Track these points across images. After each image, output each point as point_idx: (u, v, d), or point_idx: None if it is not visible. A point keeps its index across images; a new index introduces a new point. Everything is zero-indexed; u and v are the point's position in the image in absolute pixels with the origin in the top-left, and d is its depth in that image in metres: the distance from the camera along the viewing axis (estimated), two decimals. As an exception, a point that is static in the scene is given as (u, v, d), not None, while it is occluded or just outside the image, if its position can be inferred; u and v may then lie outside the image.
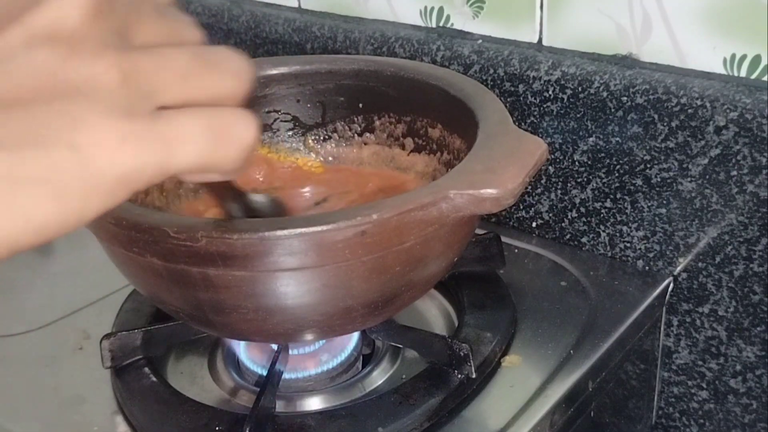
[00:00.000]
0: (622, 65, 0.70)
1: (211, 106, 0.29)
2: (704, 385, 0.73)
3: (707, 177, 0.66)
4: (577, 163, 0.73)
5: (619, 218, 0.72)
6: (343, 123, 0.69)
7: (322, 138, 0.71)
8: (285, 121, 0.70)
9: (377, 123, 0.68)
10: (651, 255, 0.72)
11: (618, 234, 0.73)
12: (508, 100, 0.75)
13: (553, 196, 0.76)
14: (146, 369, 0.62)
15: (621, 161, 0.70)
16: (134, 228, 0.47)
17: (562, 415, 0.60)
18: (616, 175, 0.71)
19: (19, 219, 0.25)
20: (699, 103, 0.64)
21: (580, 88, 0.70)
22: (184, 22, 0.30)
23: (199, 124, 0.28)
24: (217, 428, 0.56)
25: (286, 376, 0.61)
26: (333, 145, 0.71)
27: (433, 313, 0.70)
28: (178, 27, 0.30)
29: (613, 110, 0.69)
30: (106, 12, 0.27)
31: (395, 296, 0.52)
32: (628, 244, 0.73)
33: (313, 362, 0.63)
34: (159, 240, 0.46)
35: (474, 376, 0.58)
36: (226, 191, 0.45)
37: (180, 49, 0.28)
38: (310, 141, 0.71)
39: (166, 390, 0.60)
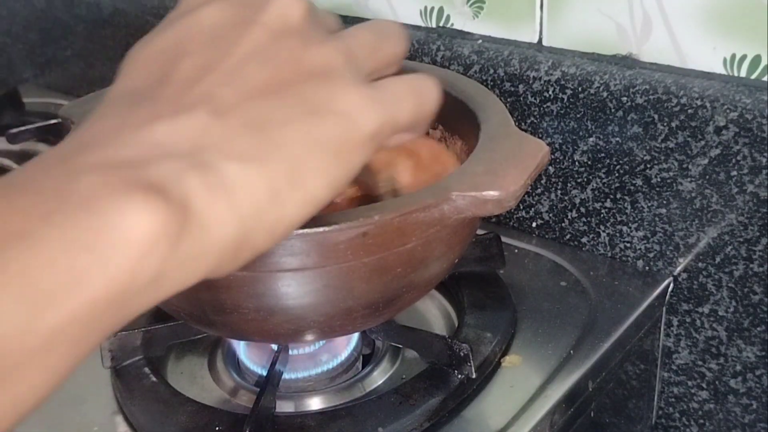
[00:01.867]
0: (622, 65, 0.70)
1: (405, 75, 0.35)
2: (704, 385, 0.73)
3: (707, 177, 0.66)
4: (577, 163, 0.73)
5: (619, 218, 0.72)
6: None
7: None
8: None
9: (378, 123, 0.68)
10: (651, 255, 0.72)
11: (618, 234, 0.73)
12: (508, 100, 0.75)
13: (553, 196, 0.76)
14: (146, 369, 0.62)
15: (621, 161, 0.70)
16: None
17: (562, 415, 0.60)
18: (616, 175, 0.71)
19: (319, 179, 0.30)
20: (699, 103, 0.64)
21: (580, 88, 0.70)
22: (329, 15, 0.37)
23: (405, 88, 0.34)
24: (217, 428, 0.56)
25: (286, 376, 0.61)
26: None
27: (433, 313, 0.70)
28: (330, 15, 0.37)
29: (613, 110, 0.69)
30: (312, 10, 0.33)
31: (396, 297, 0.52)
32: (628, 244, 0.73)
33: (313, 362, 0.63)
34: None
35: (474, 376, 0.58)
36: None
37: (364, 28, 0.35)
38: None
39: (166, 390, 0.60)
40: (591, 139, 0.71)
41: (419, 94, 0.35)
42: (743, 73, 0.64)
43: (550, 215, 0.77)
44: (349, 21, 0.86)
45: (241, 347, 0.65)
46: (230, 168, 0.28)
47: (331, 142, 0.30)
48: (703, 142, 0.65)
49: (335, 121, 0.31)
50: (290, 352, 0.62)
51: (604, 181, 0.72)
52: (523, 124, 0.75)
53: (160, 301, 0.27)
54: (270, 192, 0.28)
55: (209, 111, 0.28)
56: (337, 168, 0.31)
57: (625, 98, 0.68)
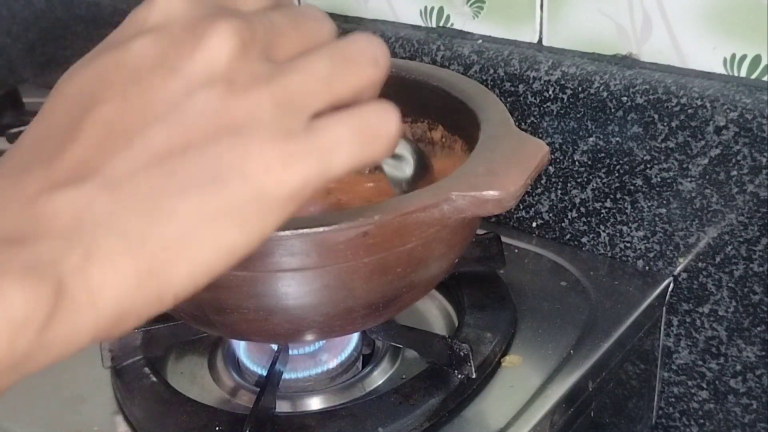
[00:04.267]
0: (622, 65, 0.70)
1: (355, 108, 0.30)
2: (704, 385, 0.73)
3: (707, 177, 0.66)
4: (577, 163, 0.73)
5: (619, 218, 0.72)
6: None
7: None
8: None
9: (378, 123, 0.68)
10: (651, 255, 0.72)
11: (618, 234, 0.73)
12: (508, 100, 0.75)
13: (553, 196, 0.76)
14: (146, 369, 0.62)
15: (621, 161, 0.70)
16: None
17: (562, 415, 0.60)
18: (616, 175, 0.71)
19: (210, 250, 0.28)
20: (699, 103, 0.64)
21: (580, 88, 0.70)
22: (315, 19, 0.32)
23: (347, 130, 0.30)
24: (217, 428, 0.56)
25: (286, 376, 0.61)
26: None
27: (433, 313, 0.70)
28: (312, 28, 0.32)
29: (613, 110, 0.69)
30: (249, 43, 0.29)
31: (396, 297, 0.52)
32: (628, 244, 0.73)
33: (313, 362, 0.63)
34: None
35: (474, 376, 0.58)
36: None
37: (319, 55, 0.30)
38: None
39: (166, 390, 0.60)
40: (591, 139, 0.71)
41: (367, 133, 0.30)
42: (743, 73, 0.64)
43: (550, 215, 0.77)
44: (349, 21, 0.86)
45: (241, 347, 0.65)
46: (110, 245, 0.27)
47: (234, 210, 0.28)
48: (703, 142, 0.65)
49: (242, 187, 0.28)
50: (290, 352, 0.62)
51: (604, 181, 0.72)
52: (523, 124, 0.75)
53: (25, 377, 0.27)
54: (152, 267, 0.28)
55: (99, 183, 0.27)
56: (239, 236, 0.29)
57: (625, 98, 0.68)
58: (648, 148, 0.68)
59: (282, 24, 0.31)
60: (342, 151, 0.29)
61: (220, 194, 0.28)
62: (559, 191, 0.75)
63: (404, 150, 0.45)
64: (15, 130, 0.67)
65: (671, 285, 0.71)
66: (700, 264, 0.69)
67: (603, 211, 0.73)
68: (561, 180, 0.75)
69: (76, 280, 0.26)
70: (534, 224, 0.79)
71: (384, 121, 0.31)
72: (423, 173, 0.46)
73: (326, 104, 0.30)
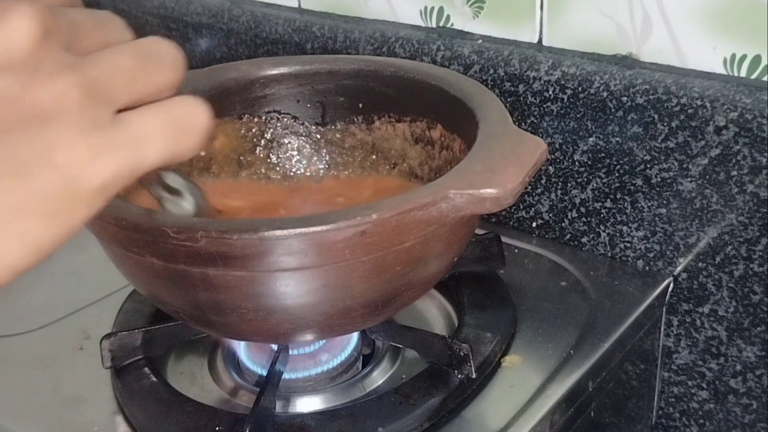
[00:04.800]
0: (622, 65, 0.70)
1: (165, 101, 0.30)
2: (704, 385, 0.73)
3: (707, 177, 0.66)
4: (577, 163, 0.73)
5: (619, 218, 0.72)
6: (343, 123, 0.69)
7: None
8: (285, 122, 0.70)
9: (377, 123, 0.68)
10: (651, 255, 0.72)
11: (618, 234, 0.73)
12: (508, 100, 0.75)
13: (553, 196, 0.76)
14: (146, 369, 0.62)
15: (621, 161, 0.70)
16: (134, 228, 0.47)
17: (562, 415, 0.60)
18: (616, 175, 0.71)
19: (15, 243, 0.27)
20: (699, 103, 0.64)
21: (580, 88, 0.70)
22: (113, 21, 0.32)
23: (158, 121, 0.30)
24: (217, 428, 0.56)
25: (286, 376, 0.61)
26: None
27: (433, 313, 0.70)
28: (111, 29, 0.31)
29: (613, 110, 0.69)
30: (52, 31, 0.27)
31: (395, 296, 0.52)
32: (628, 244, 0.73)
33: (313, 362, 0.63)
34: (159, 240, 0.46)
35: (474, 376, 0.58)
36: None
37: (122, 51, 0.30)
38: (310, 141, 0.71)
39: (166, 390, 0.60)
40: (591, 139, 0.71)
41: (177, 125, 0.30)
42: (743, 73, 0.64)
43: (550, 215, 0.77)
44: (349, 20, 0.86)
45: (241, 347, 0.65)
46: None
47: (41, 202, 0.27)
48: (703, 142, 0.65)
49: (50, 179, 0.27)
50: (290, 352, 0.62)
51: (604, 181, 0.72)
52: (523, 124, 0.75)
53: None
54: None
55: None
56: (47, 230, 0.28)
57: (625, 98, 0.68)
58: (648, 148, 0.68)
59: (83, 21, 0.30)
60: (154, 143, 0.29)
61: (27, 185, 0.27)
62: (559, 191, 0.75)
63: (181, 186, 0.45)
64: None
65: (671, 285, 0.71)
66: (700, 264, 0.69)
67: (603, 211, 0.73)
68: (561, 180, 0.75)
69: None
70: (534, 224, 0.79)
71: (195, 114, 0.31)
72: (204, 210, 0.46)
73: (130, 99, 0.29)
